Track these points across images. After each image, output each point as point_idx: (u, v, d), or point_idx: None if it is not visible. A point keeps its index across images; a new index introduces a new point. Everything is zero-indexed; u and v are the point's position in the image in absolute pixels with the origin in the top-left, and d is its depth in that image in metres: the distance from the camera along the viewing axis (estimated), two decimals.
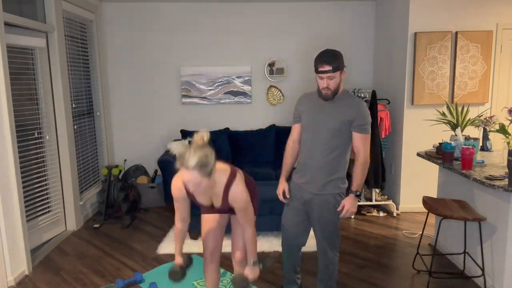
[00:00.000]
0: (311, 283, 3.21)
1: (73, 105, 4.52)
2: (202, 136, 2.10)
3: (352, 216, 2.45)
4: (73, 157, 4.34)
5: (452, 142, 3.36)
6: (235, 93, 5.60)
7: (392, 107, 4.90)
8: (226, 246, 3.89)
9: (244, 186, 2.24)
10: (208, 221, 2.50)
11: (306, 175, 2.58)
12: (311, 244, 3.89)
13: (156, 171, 5.42)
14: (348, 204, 2.50)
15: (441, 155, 3.40)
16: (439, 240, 3.79)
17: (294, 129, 2.71)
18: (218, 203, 2.29)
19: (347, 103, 2.48)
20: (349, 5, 5.49)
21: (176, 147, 2.02)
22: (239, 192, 2.19)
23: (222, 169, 2.23)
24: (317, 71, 2.41)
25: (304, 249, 3.79)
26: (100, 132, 5.29)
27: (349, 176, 2.58)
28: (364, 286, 3.17)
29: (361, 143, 2.47)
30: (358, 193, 2.52)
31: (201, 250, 3.81)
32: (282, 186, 2.74)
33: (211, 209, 2.38)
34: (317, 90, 2.50)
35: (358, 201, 4.77)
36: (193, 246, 3.90)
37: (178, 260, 2.37)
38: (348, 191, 2.57)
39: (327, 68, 2.36)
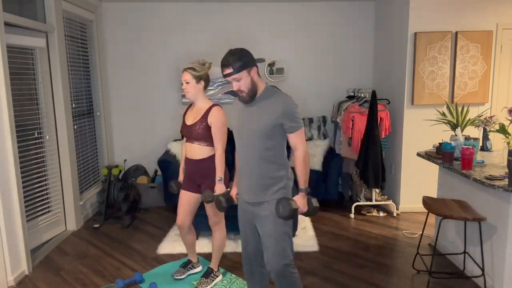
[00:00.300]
0: (312, 283, 3.21)
1: (73, 105, 4.52)
2: (206, 61, 3.15)
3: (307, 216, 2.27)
4: (73, 157, 4.34)
5: (452, 142, 3.36)
6: (235, 93, 5.60)
7: (392, 107, 4.90)
8: (227, 246, 3.89)
9: (224, 116, 2.92)
10: (183, 198, 3.07)
11: (242, 183, 2.39)
12: (311, 244, 3.91)
13: (156, 171, 5.42)
14: (302, 204, 2.30)
15: (441, 155, 3.40)
16: (439, 240, 3.79)
17: None
18: (192, 121, 2.94)
19: (271, 102, 2.26)
20: (349, 5, 5.49)
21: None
22: (216, 113, 2.89)
23: (208, 101, 3.00)
24: (223, 76, 2.26)
25: (304, 249, 3.81)
26: (100, 132, 5.30)
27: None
28: (364, 286, 3.17)
29: (297, 140, 2.27)
30: (307, 190, 2.31)
31: (201, 250, 3.81)
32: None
33: (189, 129, 2.94)
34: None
35: (358, 201, 4.79)
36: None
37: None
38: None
39: (228, 71, 2.20)
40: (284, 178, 2.37)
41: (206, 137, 2.90)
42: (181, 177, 3.17)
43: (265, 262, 2.37)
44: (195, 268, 3.40)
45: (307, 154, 2.32)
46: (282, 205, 2.19)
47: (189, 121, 2.98)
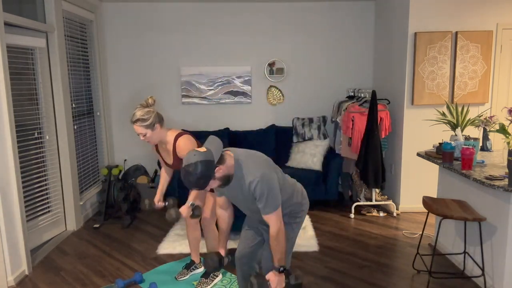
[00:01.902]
0: (312, 283, 3.21)
1: (73, 105, 4.52)
2: (148, 99, 2.81)
3: None
4: (73, 157, 4.34)
5: (452, 142, 3.36)
6: (235, 93, 5.61)
7: (392, 107, 4.90)
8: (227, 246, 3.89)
9: (191, 141, 2.82)
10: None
11: None
12: (311, 244, 3.91)
13: (156, 171, 5.42)
14: (274, 282, 2.17)
15: (441, 155, 3.40)
16: (439, 240, 3.79)
17: None
18: (170, 160, 2.92)
19: (242, 181, 2.18)
20: (349, 5, 5.49)
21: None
22: (182, 144, 2.79)
23: (174, 131, 2.87)
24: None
25: (304, 249, 3.81)
26: (100, 132, 5.30)
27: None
28: (364, 286, 3.17)
29: (269, 221, 2.19)
30: (281, 269, 2.17)
31: (201, 250, 3.81)
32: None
33: (171, 166, 2.95)
34: None
35: (358, 201, 4.79)
36: None
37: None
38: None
39: (197, 189, 2.07)
40: (293, 204, 2.39)
41: None
42: (157, 197, 3.12)
43: (262, 264, 2.41)
44: (198, 268, 3.41)
45: (281, 231, 2.16)
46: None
47: (168, 160, 2.99)
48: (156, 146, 3.02)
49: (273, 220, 2.15)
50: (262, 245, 2.52)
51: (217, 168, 2.04)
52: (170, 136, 2.86)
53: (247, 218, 2.55)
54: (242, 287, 2.59)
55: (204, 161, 1.97)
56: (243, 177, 2.13)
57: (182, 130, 2.98)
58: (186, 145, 2.79)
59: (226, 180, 2.12)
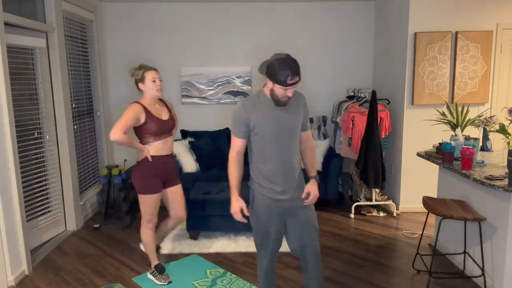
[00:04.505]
0: None
1: (73, 105, 4.52)
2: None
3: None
4: (73, 157, 4.34)
5: (452, 142, 3.36)
6: (235, 93, 5.61)
7: (392, 107, 4.90)
8: (226, 246, 3.90)
9: None
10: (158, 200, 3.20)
11: (277, 184, 2.40)
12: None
13: None
14: (314, 189, 2.43)
15: (441, 155, 3.40)
16: (439, 240, 3.79)
17: (239, 142, 2.39)
18: (167, 115, 3.17)
19: (295, 101, 2.40)
20: (349, 5, 5.49)
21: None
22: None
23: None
24: (285, 84, 2.18)
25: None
26: (100, 132, 5.29)
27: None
28: (364, 286, 3.17)
29: (310, 134, 2.58)
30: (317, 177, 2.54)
31: (201, 250, 3.81)
32: (239, 203, 2.41)
33: (166, 124, 3.12)
34: (272, 97, 2.29)
35: (358, 201, 4.79)
36: (193, 246, 3.90)
37: None
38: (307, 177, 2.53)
39: (297, 78, 2.20)
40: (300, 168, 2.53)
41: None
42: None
43: (304, 249, 2.50)
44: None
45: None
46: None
47: (164, 116, 3.13)
48: (146, 111, 3.05)
49: (311, 134, 2.57)
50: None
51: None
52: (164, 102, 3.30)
53: (269, 220, 2.44)
54: (270, 279, 2.62)
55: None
56: (299, 94, 2.46)
57: None
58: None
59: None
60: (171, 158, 3.22)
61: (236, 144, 2.39)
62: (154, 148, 3.09)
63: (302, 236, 2.47)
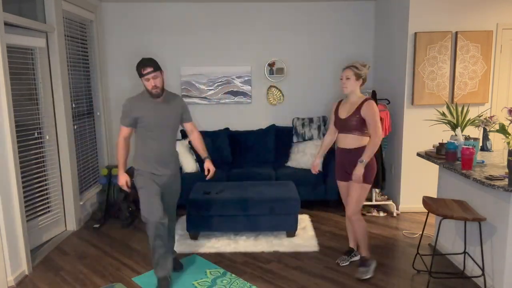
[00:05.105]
0: (312, 283, 3.22)
1: (73, 105, 4.52)
2: (366, 64, 3.25)
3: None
4: (73, 157, 4.34)
5: (455, 142, 3.37)
6: (235, 93, 5.61)
7: (392, 107, 4.90)
8: (226, 246, 3.90)
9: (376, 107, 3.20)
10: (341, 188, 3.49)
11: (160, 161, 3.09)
12: (311, 244, 3.90)
13: None
14: (211, 167, 3.22)
15: (445, 154, 3.41)
16: (439, 240, 3.79)
17: (125, 129, 3.04)
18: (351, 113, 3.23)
19: (172, 98, 3.13)
20: (349, 5, 5.49)
21: None
22: (370, 106, 3.15)
23: (362, 95, 3.25)
24: (142, 74, 2.88)
25: (304, 249, 3.81)
26: (100, 132, 5.29)
27: None
28: (364, 286, 3.17)
29: (193, 125, 3.33)
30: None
31: (201, 250, 3.81)
32: (125, 177, 3.08)
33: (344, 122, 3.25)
34: (148, 92, 2.97)
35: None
36: (193, 247, 3.90)
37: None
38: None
39: (149, 69, 2.87)
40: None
41: (360, 127, 3.16)
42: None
43: (167, 207, 3.24)
44: (356, 256, 3.59)
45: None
46: None
47: (343, 115, 3.24)
48: (338, 105, 3.32)
49: (194, 124, 3.35)
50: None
51: (163, 72, 3.10)
52: (361, 97, 3.26)
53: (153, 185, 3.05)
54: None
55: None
56: (177, 95, 3.21)
57: None
58: (374, 108, 3.28)
59: (163, 87, 2.99)
60: (347, 152, 3.28)
61: (123, 131, 3.05)
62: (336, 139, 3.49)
63: (168, 200, 3.23)
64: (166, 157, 3.10)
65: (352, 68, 3.16)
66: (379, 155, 4.45)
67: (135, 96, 3.06)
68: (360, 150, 3.15)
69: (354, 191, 3.19)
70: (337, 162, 3.36)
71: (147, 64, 2.88)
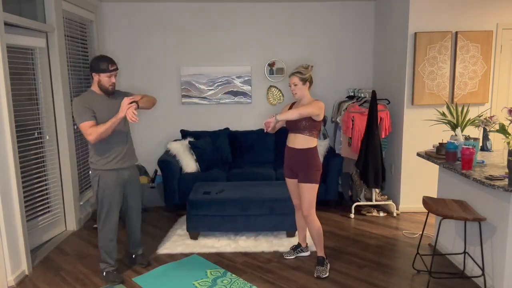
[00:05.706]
0: (312, 283, 3.22)
1: None
2: (309, 65, 3.32)
3: None
4: (73, 157, 4.34)
5: (455, 142, 3.37)
6: (235, 93, 5.61)
7: (392, 107, 4.90)
8: (226, 246, 3.90)
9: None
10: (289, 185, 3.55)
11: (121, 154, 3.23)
12: (311, 244, 3.90)
13: (156, 171, 5.42)
14: None
15: (444, 154, 3.41)
16: (439, 240, 3.79)
17: (89, 123, 3.03)
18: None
19: (119, 94, 3.23)
20: (349, 5, 5.49)
21: None
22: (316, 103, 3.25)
23: (311, 98, 3.34)
24: (108, 70, 3.03)
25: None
26: None
27: None
28: (364, 286, 3.17)
29: None
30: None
31: (201, 250, 3.81)
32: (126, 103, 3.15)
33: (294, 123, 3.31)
34: (102, 89, 3.09)
35: (358, 201, 4.79)
36: (193, 247, 3.90)
37: None
38: None
39: (115, 66, 3.10)
40: None
41: (309, 128, 3.25)
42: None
43: (130, 213, 3.51)
44: (304, 252, 3.69)
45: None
46: None
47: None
48: (291, 106, 3.43)
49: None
50: None
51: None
52: (311, 99, 3.34)
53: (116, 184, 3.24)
54: None
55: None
56: (127, 92, 3.31)
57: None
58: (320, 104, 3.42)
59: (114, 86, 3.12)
60: (295, 152, 3.37)
61: (89, 124, 3.02)
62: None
63: (131, 195, 3.39)
64: (126, 151, 3.24)
65: (296, 74, 3.23)
66: (379, 155, 4.44)
67: (83, 96, 3.11)
68: (308, 151, 3.26)
69: (305, 193, 3.28)
70: (285, 160, 3.43)
71: (112, 61, 3.08)
